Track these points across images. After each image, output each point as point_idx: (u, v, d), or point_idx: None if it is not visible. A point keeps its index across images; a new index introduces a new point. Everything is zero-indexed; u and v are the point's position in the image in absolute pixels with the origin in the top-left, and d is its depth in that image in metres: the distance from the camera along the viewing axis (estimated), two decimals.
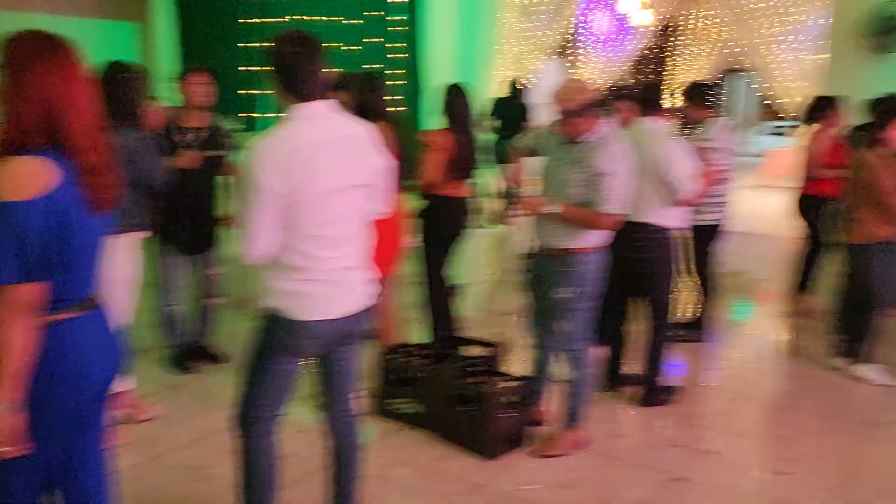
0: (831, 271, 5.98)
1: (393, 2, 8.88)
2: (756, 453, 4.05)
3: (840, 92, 7.42)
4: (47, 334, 1.97)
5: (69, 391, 2.02)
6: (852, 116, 6.42)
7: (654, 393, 4.52)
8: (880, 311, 5.01)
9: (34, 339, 1.94)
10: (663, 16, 13.95)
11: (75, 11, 9.33)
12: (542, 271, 3.75)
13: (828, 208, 6.08)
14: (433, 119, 4.66)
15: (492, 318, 5.95)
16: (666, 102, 6.90)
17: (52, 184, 1.90)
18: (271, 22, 8.11)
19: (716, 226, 5.49)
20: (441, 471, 3.71)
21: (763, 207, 12.13)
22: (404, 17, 8.97)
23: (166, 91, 5.66)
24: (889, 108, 5.18)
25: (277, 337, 2.60)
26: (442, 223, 4.66)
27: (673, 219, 4.41)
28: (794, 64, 9.94)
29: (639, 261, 4.33)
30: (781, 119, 17.88)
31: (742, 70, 18.40)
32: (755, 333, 6.19)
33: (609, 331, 4.66)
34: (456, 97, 4.61)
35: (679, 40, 14.73)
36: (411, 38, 8.77)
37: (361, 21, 8.48)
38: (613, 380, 4.69)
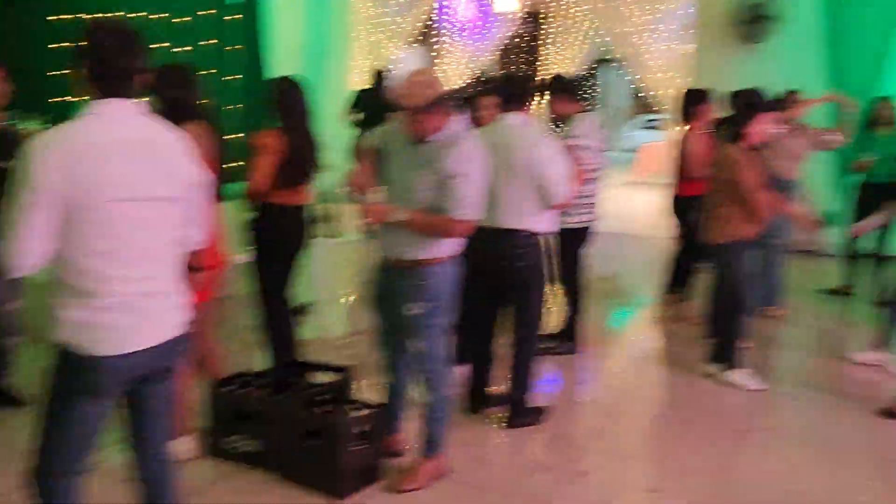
0: (707, 274, 6.27)
1: None
2: (630, 472, 4.15)
3: (709, 83, 7.79)
4: None
5: None
6: (719, 110, 6.74)
7: (522, 413, 4.55)
8: (749, 312, 5.26)
9: None
10: (531, 2, 14.27)
11: None
12: (391, 286, 3.70)
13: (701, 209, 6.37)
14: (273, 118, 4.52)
15: (343, 340, 5.85)
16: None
17: None
18: (87, 19, 7.73)
19: (583, 228, 5.61)
20: None
21: (636, 206, 12.61)
22: (241, 3, 8.75)
23: None
24: (750, 102, 5.46)
25: (71, 376, 2.42)
26: (277, 235, 4.52)
27: (544, 223, 4.47)
28: (664, 54, 10.38)
29: (509, 270, 4.36)
30: (655, 112, 18.65)
31: (613, 61, 19.11)
32: (628, 342, 6.39)
33: (474, 347, 4.68)
34: (288, 91, 4.49)
35: (549, 28, 15.10)
36: (250, 31, 8.55)
37: (190, 19, 8.19)
38: (479, 401, 4.70)
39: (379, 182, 3.66)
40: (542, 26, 15.21)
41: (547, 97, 5.62)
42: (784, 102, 6.83)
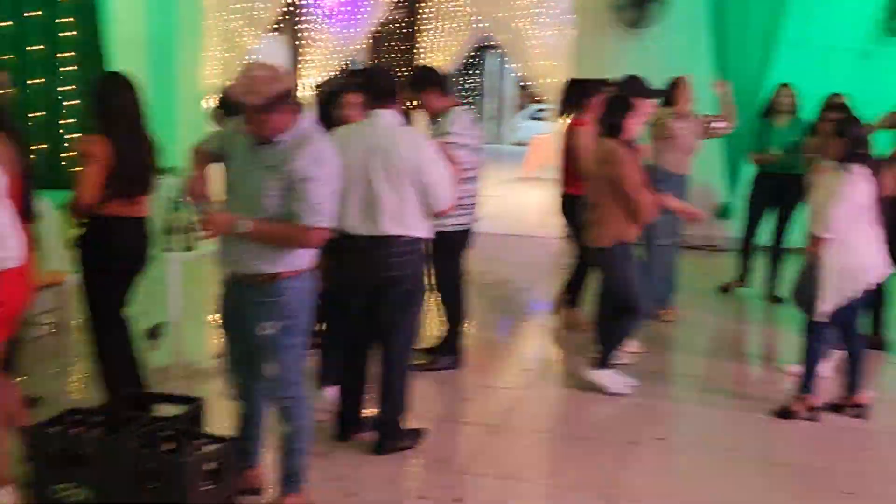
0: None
1: None
2: (510, 494, 4.19)
3: (589, 71, 7.99)
4: None
5: None
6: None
7: (396, 436, 4.54)
8: (641, 316, 5.39)
9: None
10: None
11: None
12: (239, 304, 3.62)
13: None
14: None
15: (200, 365, 5.71)
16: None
17: None
18: None
19: (462, 232, 5.64)
20: None
21: (527, 205, 12.83)
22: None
23: None
24: (629, 91, 5.61)
25: None
26: (107, 251, 4.36)
27: (425, 229, 4.48)
28: (545, 41, 10.55)
29: (388, 281, 4.36)
30: (540, 102, 18.97)
31: (496, 48, 19.35)
32: (516, 353, 6.46)
33: (346, 366, 4.64)
34: (113, 91, 4.33)
35: (426, 14, 15.14)
36: (87, 22, 8.22)
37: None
38: (350, 426, 4.66)
39: (221, 189, 3.57)
40: (419, 11, 15.26)
41: (417, 91, 5.60)
42: (671, 91, 7.00)
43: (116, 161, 4.25)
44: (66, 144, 7.66)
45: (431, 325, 6.27)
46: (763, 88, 9.23)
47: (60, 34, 7.90)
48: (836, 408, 5.19)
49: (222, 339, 3.91)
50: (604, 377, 5.42)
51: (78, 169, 4.26)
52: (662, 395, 5.50)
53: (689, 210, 5.63)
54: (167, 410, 4.11)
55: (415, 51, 15.28)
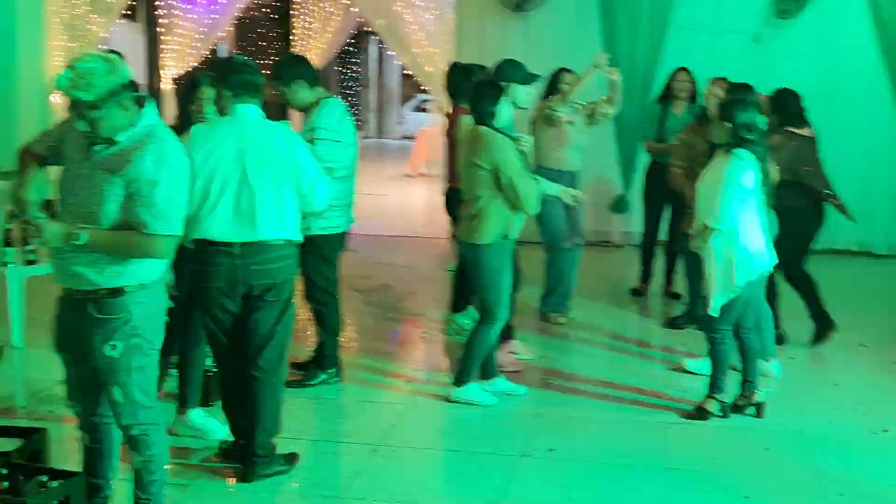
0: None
1: None
2: None
3: (473, 57, 8.04)
4: None
5: None
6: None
7: (267, 462, 4.47)
8: (492, 325, 5.42)
9: None
10: None
11: None
12: (76, 323, 3.50)
13: None
14: None
15: (37, 394, 5.51)
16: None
17: None
18: None
19: (335, 235, 5.60)
20: None
21: (413, 203, 12.85)
22: None
23: None
24: (507, 77, 5.66)
25: None
26: None
27: (299, 231, 4.47)
28: (424, 25, 10.57)
29: (262, 291, 4.32)
30: (425, 92, 19.02)
31: (376, 34, 19.31)
32: (400, 364, 6.44)
33: (219, 388, 4.60)
34: None
35: None
36: None
37: None
38: (225, 453, 4.61)
39: (53, 195, 3.45)
40: None
41: (283, 83, 5.52)
42: (556, 80, 7.10)
43: None
44: None
45: (304, 336, 6.21)
46: (655, 73, 9.50)
47: None
48: (735, 408, 5.36)
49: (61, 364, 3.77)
50: (470, 394, 5.46)
51: None
52: (556, 403, 5.58)
53: (569, 192, 5.69)
54: (3, 444, 3.96)
55: (290, 38, 15.11)
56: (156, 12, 13.07)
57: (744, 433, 5.17)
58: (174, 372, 4.95)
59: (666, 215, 7.75)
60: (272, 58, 16.26)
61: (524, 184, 5.17)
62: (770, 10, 9.82)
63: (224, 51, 16.80)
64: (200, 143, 4.20)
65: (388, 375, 6.11)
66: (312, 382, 5.66)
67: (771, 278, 6.23)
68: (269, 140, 4.31)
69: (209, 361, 4.84)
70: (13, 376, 5.47)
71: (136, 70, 5.75)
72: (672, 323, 7.14)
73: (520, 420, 5.33)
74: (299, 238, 4.46)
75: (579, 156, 7.13)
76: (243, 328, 4.40)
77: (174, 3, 12.84)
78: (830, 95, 9.47)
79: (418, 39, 10.75)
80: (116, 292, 3.42)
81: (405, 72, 24.75)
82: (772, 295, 6.39)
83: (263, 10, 16.65)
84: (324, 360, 5.75)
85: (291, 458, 4.59)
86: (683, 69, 7.76)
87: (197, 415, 4.87)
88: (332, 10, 13.99)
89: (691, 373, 5.93)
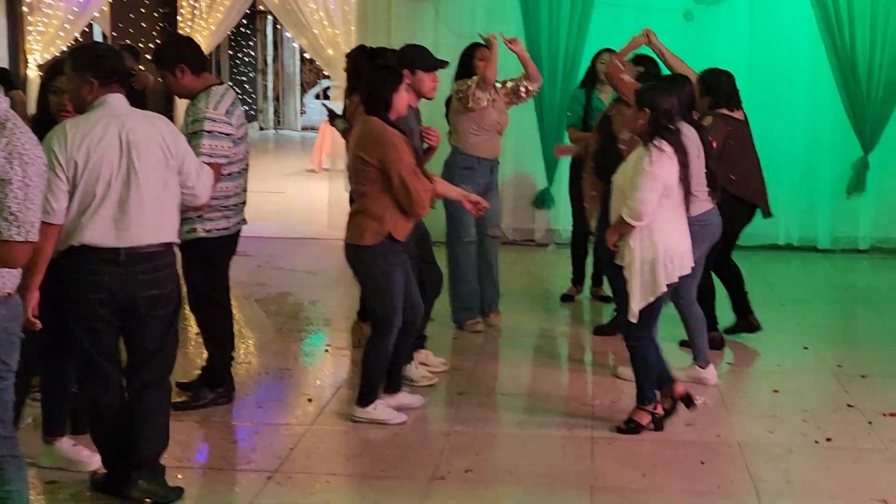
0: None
1: None
2: None
3: (378, 40, 8.04)
4: None
5: None
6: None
7: (151, 476, 4.43)
8: (385, 334, 5.40)
9: None
10: None
11: None
12: None
13: None
14: None
15: None
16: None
17: None
18: None
19: (223, 238, 5.53)
20: None
21: (313, 202, 12.74)
22: None
23: None
24: (408, 63, 5.66)
25: None
26: None
27: (176, 234, 4.47)
28: (324, 4, 10.54)
29: (147, 301, 4.30)
30: (327, 78, 18.96)
31: (271, 13, 19.17)
32: (297, 381, 6.40)
33: (94, 416, 4.51)
34: None
35: None
36: None
37: None
38: (102, 486, 4.54)
39: None
40: None
41: (165, 68, 5.45)
42: (469, 59, 7.09)
43: None
44: None
45: (191, 352, 6.13)
46: (580, 55, 9.60)
47: None
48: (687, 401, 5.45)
49: None
50: (376, 412, 5.45)
51: None
52: (474, 419, 5.58)
53: (470, 198, 5.68)
54: None
55: (174, 17, 14.92)
56: None
57: (677, 447, 5.24)
58: (37, 396, 4.85)
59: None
60: (154, 40, 16.02)
61: (415, 184, 5.15)
62: None
63: (99, 33, 16.50)
64: (78, 141, 4.11)
65: (285, 393, 6.05)
66: (200, 403, 5.58)
67: (705, 277, 6.36)
68: (151, 131, 4.29)
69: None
70: None
71: None
72: (601, 329, 7.20)
73: (433, 439, 5.33)
74: (175, 241, 4.46)
75: (498, 141, 7.17)
76: (129, 346, 4.38)
77: None
78: (768, 78, 9.74)
79: (318, 20, 10.70)
80: None
81: (305, 55, 24.66)
82: (708, 295, 6.52)
83: None
84: (213, 377, 5.68)
85: (176, 493, 4.52)
86: (608, 50, 7.73)
87: (65, 445, 4.76)
88: None
89: (624, 379, 6.00)
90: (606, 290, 7.89)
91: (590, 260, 8.02)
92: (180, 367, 5.16)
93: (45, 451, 4.74)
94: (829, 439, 5.31)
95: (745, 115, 6.70)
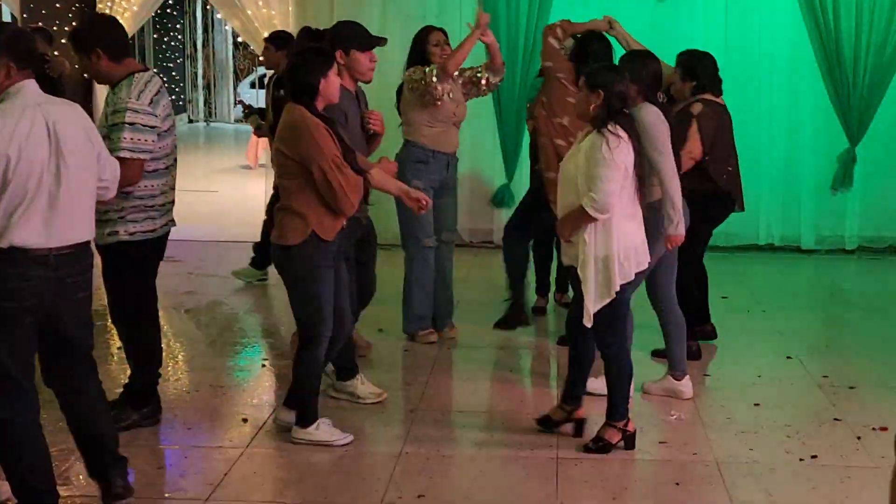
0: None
1: None
2: None
3: (318, 20, 8.03)
4: None
5: None
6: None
7: (127, 488, 4.53)
8: (313, 347, 5.41)
9: None
10: None
11: None
12: None
13: None
14: None
15: None
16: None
17: None
18: None
19: (148, 241, 5.49)
20: None
21: (249, 201, 12.66)
22: None
23: None
24: (340, 43, 5.66)
25: None
26: None
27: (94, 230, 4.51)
28: None
29: (74, 306, 4.37)
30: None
31: None
32: (232, 398, 6.37)
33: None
34: None
35: None
36: None
37: None
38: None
39: None
40: None
41: (82, 52, 5.41)
42: (422, 44, 7.06)
43: None
44: None
45: (112, 367, 6.09)
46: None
47: None
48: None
49: None
50: (318, 433, 5.45)
51: None
52: (427, 439, 5.59)
53: (411, 194, 5.70)
54: None
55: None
56: None
57: (649, 466, 5.28)
58: None
59: None
60: (70, 23, 15.87)
61: (338, 178, 5.13)
62: None
63: (7, 14, 16.32)
64: (8, 134, 4.09)
65: (218, 413, 6.02)
66: (123, 424, 5.51)
67: (698, 268, 6.46)
68: (75, 120, 4.33)
69: None
70: None
71: None
72: (566, 339, 7.23)
73: (382, 462, 5.31)
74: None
75: (455, 134, 7.17)
76: (42, 342, 4.38)
77: None
78: (745, 63, 9.83)
79: (248, 2, 10.68)
80: None
81: (238, 40, 24.55)
82: (701, 287, 6.63)
83: None
84: (137, 396, 5.65)
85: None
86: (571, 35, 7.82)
87: None
88: None
89: (592, 394, 6.02)
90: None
91: (555, 264, 8.05)
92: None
93: None
94: (814, 456, 5.37)
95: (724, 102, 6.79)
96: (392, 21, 9.83)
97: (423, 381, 6.50)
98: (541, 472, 5.16)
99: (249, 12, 10.74)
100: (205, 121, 26.75)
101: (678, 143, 6.02)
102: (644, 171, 5.33)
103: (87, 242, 4.39)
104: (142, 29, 18.02)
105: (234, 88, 27.37)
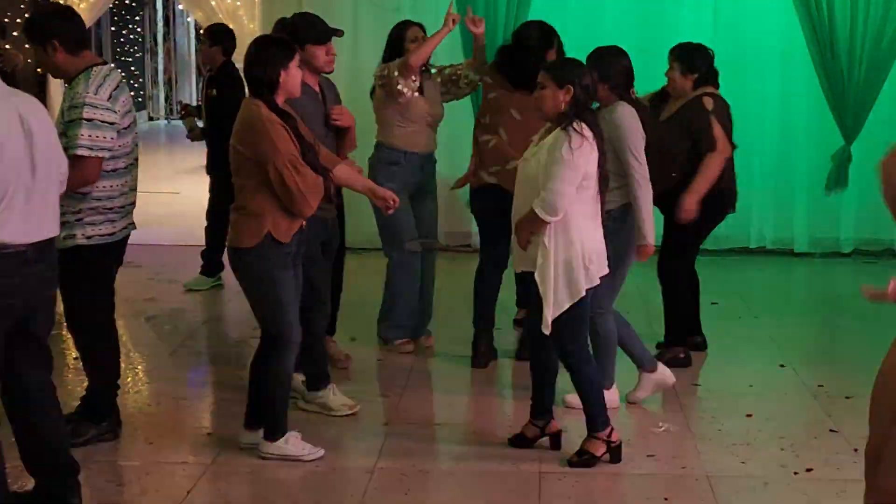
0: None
1: None
2: None
3: (287, 11, 8.00)
4: None
5: None
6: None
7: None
8: (282, 351, 5.39)
9: None
10: None
11: None
12: None
13: None
14: None
15: None
16: None
17: None
18: None
19: (105, 245, 5.48)
20: None
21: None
22: None
23: None
24: (296, 36, 5.69)
25: None
26: None
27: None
28: None
29: (45, 304, 4.50)
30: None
31: None
32: (197, 412, 6.36)
33: None
34: None
35: None
36: None
37: None
38: None
39: None
40: None
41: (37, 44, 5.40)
42: (399, 39, 7.05)
43: None
44: None
45: (69, 380, 6.06)
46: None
47: None
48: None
49: None
50: (287, 447, 5.44)
51: None
52: (405, 453, 5.58)
53: (377, 193, 5.69)
54: None
55: None
56: None
57: (637, 481, 5.30)
58: None
59: None
60: (23, 14, 15.83)
61: (294, 178, 5.10)
62: None
63: None
64: None
65: (181, 427, 6.00)
66: (80, 440, 5.50)
67: (691, 275, 6.51)
68: (40, 113, 4.40)
69: None
70: None
71: None
72: (522, 354, 7.24)
73: (355, 477, 5.30)
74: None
75: (432, 134, 7.18)
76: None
77: None
78: (734, 55, 9.76)
79: None
80: None
81: (201, 32, 24.45)
82: (694, 295, 6.68)
83: None
84: (95, 409, 5.63)
85: None
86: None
87: None
88: None
89: (572, 407, 6.03)
90: None
91: None
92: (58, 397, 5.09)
93: None
94: (809, 469, 5.39)
95: None
96: (365, 13, 9.84)
97: (398, 392, 6.50)
98: (523, 488, 5.16)
99: (213, 3, 10.72)
100: (166, 118, 26.66)
101: (679, 140, 6.12)
102: (607, 173, 5.35)
103: (55, 238, 4.45)
104: (98, 22, 17.94)
105: (197, 84, 27.29)
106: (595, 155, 5.17)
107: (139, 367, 7.08)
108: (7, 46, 11.06)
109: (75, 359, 5.89)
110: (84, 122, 5.14)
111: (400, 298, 7.16)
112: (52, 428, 4.62)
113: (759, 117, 10.06)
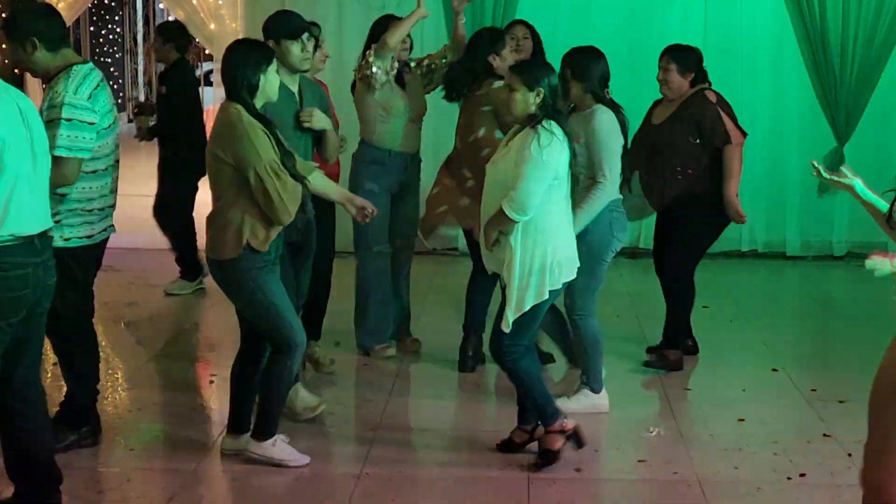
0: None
1: None
2: None
3: (266, 12, 7.99)
4: None
5: None
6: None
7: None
8: (286, 356, 5.36)
9: None
10: None
11: None
12: None
13: None
14: None
15: None
16: None
17: None
18: None
19: (85, 248, 5.48)
20: None
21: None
22: None
23: None
24: (270, 33, 5.69)
25: None
26: None
27: None
28: None
29: (49, 294, 4.50)
30: (210, 60, 18.86)
31: None
32: (180, 417, 6.34)
33: None
34: None
35: None
36: None
37: None
38: None
39: None
40: None
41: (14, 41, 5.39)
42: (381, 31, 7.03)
43: None
44: None
45: (48, 385, 6.05)
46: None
47: None
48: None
49: None
50: (274, 450, 5.43)
51: None
52: (390, 459, 5.58)
53: (355, 202, 5.63)
54: None
55: None
56: None
57: (628, 486, 5.31)
58: None
59: None
60: (2, 10, 15.80)
61: (277, 185, 5.05)
62: None
63: None
64: None
65: (164, 432, 6.00)
66: (60, 446, 5.47)
67: (678, 289, 6.54)
68: (29, 105, 4.41)
69: None
70: None
71: None
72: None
73: (341, 484, 5.31)
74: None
75: (417, 131, 7.16)
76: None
77: None
78: (725, 55, 9.81)
79: None
80: None
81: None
82: (678, 306, 6.70)
83: None
84: (74, 415, 5.61)
85: None
86: (520, 22, 7.55)
87: None
88: None
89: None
90: None
91: None
92: None
93: None
94: (802, 475, 5.40)
95: None
96: (350, 12, 9.82)
97: (384, 397, 6.49)
98: (511, 494, 5.16)
99: (195, 1, 10.69)
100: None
101: (685, 135, 6.20)
102: (577, 172, 5.38)
103: (48, 232, 4.47)
104: (77, 21, 17.90)
105: None
106: (566, 155, 5.20)
107: (119, 372, 7.07)
108: None
109: (54, 364, 5.87)
110: (63, 121, 5.12)
111: (375, 303, 7.14)
112: (39, 432, 4.60)
113: (751, 119, 9.98)
